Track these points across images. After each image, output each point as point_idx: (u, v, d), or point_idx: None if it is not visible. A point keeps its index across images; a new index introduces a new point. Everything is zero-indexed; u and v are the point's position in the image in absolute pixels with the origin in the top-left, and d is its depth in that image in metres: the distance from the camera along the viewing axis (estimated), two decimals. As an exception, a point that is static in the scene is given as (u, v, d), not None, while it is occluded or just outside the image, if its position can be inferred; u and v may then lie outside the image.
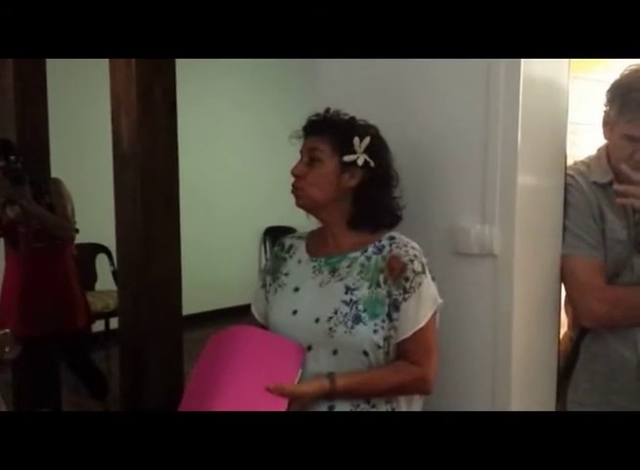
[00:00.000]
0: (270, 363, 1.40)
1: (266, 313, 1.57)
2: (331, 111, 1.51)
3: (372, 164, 1.45)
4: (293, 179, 1.50)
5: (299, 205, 1.51)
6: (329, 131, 1.47)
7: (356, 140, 1.45)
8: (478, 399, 1.61)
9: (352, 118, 1.50)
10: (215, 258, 6.04)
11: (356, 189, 1.47)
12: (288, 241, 1.62)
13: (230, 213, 6.16)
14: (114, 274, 4.85)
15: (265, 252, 6.57)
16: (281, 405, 1.34)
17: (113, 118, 2.60)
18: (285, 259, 1.58)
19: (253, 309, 1.63)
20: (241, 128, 6.17)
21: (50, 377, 3.39)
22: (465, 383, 1.63)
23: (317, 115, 1.51)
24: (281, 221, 6.39)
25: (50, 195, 3.13)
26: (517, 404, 1.58)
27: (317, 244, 1.55)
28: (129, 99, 2.50)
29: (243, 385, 1.35)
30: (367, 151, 1.45)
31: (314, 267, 1.51)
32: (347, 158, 1.45)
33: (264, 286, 1.60)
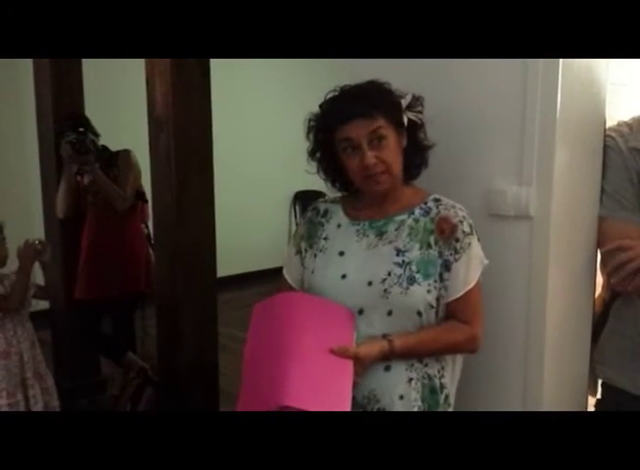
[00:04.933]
0: (328, 328, 1.39)
1: (302, 279, 1.57)
2: (347, 86, 1.46)
3: (416, 118, 1.47)
4: (364, 170, 1.42)
5: (383, 190, 1.46)
6: (377, 106, 1.41)
7: (404, 101, 1.45)
8: (511, 361, 1.63)
9: (381, 84, 1.47)
10: (246, 222, 6.08)
11: (407, 146, 1.48)
12: (322, 206, 1.61)
13: (260, 178, 6.17)
14: (148, 237, 4.93)
15: (295, 216, 6.59)
16: (349, 367, 1.35)
17: (147, 82, 2.61)
18: (322, 224, 1.57)
19: (287, 276, 1.61)
20: (271, 93, 6.15)
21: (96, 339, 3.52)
22: (498, 344, 1.64)
23: (347, 95, 1.44)
24: (310, 185, 6.39)
25: (118, 168, 3.31)
26: (549, 367, 1.59)
27: (357, 208, 1.55)
28: (163, 63, 2.51)
29: (310, 349, 1.34)
30: (410, 107, 1.46)
31: (358, 231, 1.50)
32: (404, 119, 1.45)
33: (299, 252, 1.59)
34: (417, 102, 1.48)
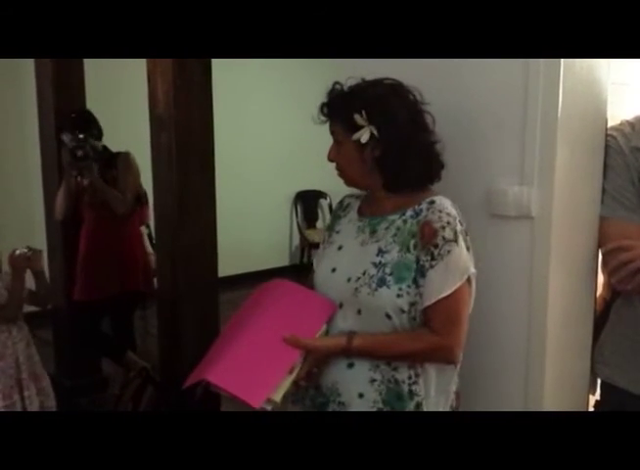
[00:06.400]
0: (295, 315, 1.45)
1: None
2: (336, 86, 1.49)
3: (376, 134, 1.42)
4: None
5: (347, 185, 1.56)
6: (334, 113, 1.48)
7: (357, 117, 1.42)
8: (512, 361, 1.63)
9: (351, 91, 1.47)
10: (247, 222, 6.08)
11: (380, 157, 1.45)
12: (347, 200, 1.65)
13: (261, 178, 6.17)
14: (149, 236, 4.94)
15: (296, 216, 6.59)
16: (293, 356, 1.38)
17: (148, 81, 2.61)
18: (340, 218, 1.62)
19: (314, 264, 1.65)
20: (273, 91, 6.15)
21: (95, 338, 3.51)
22: (499, 344, 1.64)
23: (330, 92, 1.50)
24: (311, 186, 6.39)
25: (117, 169, 3.31)
26: (551, 367, 1.59)
27: (366, 205, 1.57)
28: (165, 61, 2.51)
29: (262, 330, 1.41)
30: (371, 121, 1.42)
31: (359, 227, 1.53)
32: (355, 136, 1.44)
33: (323, 242, 1.64)
34: (385, 112, 1.43)
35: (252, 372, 1.35)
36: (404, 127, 1.44)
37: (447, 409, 1.50)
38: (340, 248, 1.54)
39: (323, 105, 1.50)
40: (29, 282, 2.73)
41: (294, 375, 1.38)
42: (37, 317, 2.93)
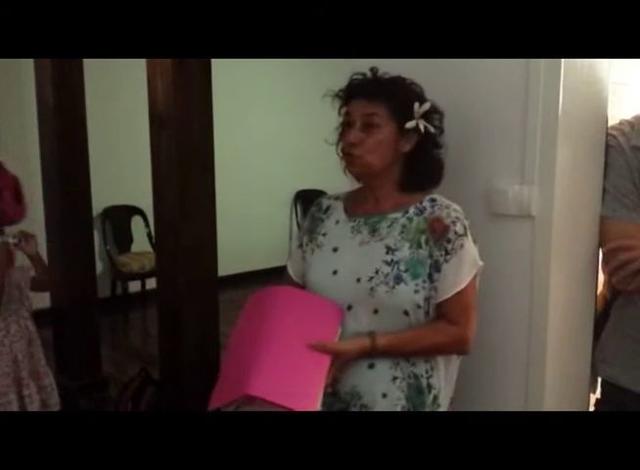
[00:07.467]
0: (310, 322, 1.42)
1: (303, 273, 1.59)
2: (378, 71, 1.47)
3: (432, 129, 1.45)
4: (346, 146, 1.47)
5: (354, 172, 1.50)
6: (386, 95, 1.44)
7: (417, 106, 1.43)
8: (513, 360, 1.63)
9: (404, 80, 1.47)
10: (247, 221, 6.09)
11: (409, 153, 1.46)
12: (325, 202, 1.62)
13: (261, 177, 6.18)
14: (149, 236, 4.94)
15: (296, 215, 6.59)
16: (324, 362, 1.36)
17: (148, 82, 2.61)
18: (322, 220, 1.59)
19: (290, 269, 1.64)
20: (273, 92, 6.15)
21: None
22: (500, 343, 1.64)
23: (363, 74, 1.48)
24: (311, 185, 6.39)
25: None
26: (551, 366, 1.59)
27: (355, 204, 1.56)
28: (164, 62, 2.51)
29: (286, 342, 1.36)
30: (424, 116, 1.44)
31: (352, 227, 1.51)
32: (409, 124, 1.43)
33: (301, 246, 1.61)
34: (435, 114, 1.47)
35: (294, 384, 1.31)
36: (441, 132, 1.50)
37: (447, 397, 1.52)
38: (335, 249, 1.52)
39: (366, 83, 1.46)
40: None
41: (324, 381, 1.36)
42: (40, 316, 2.91)
